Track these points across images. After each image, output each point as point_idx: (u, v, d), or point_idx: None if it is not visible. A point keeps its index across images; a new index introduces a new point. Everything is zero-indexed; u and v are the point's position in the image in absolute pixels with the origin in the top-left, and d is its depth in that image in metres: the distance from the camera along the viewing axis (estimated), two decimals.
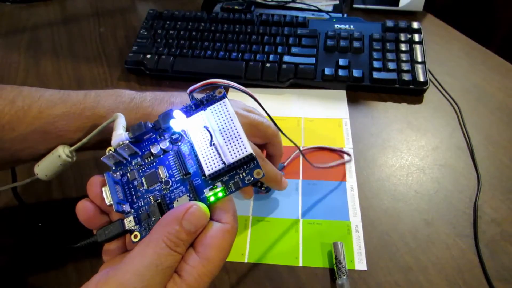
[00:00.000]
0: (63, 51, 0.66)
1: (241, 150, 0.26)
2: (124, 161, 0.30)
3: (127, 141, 0.28)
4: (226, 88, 0.28)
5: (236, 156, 0.26)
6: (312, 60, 0.57)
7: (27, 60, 0.64)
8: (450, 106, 0.53)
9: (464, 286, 0.36)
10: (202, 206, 0.26)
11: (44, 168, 0.33)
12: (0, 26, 0.72)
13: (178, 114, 0.26)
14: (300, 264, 0.39)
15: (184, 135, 0.28)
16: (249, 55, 0.58)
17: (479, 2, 0.89)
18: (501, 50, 0.62)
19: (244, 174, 0.26)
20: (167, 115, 0.28)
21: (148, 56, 0.59)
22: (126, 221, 0.27)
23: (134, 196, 0.29)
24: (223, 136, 0.26)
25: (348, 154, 0.48)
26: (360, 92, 0.56)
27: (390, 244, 0.40)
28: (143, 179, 0.29)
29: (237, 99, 0.41)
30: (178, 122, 0.26)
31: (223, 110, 0.27)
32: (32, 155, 0.35)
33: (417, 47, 0.57)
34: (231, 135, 0.26)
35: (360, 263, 0.38)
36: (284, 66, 0.56)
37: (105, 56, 0.64)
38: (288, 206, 0.43)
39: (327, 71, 0.55)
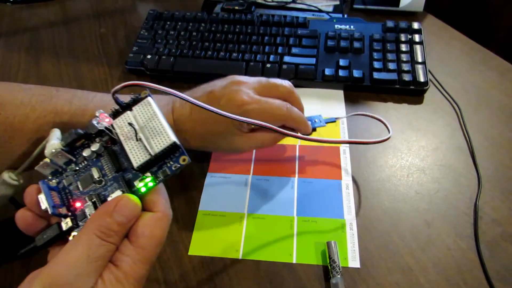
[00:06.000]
0: (63, 51, 0.66)
1: (165, 140, 0.28)
2: (60, 169, 0.31)
3: (59, 149, 0.29)
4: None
5: (161, 146, 0.28)
6: (313, 60, 0.57)
7: (27, 61, 0.64)
8: (451, 106, 0.53)
9: (464, 287, 0.37)
10: (133, 197, 0.27)
11: None
12: (1, 26, 0.72)
13: (105, 117, 0.29)
14: (294, 261, 0.39)
15: (113, 135, 0.29)
16: (250, 56, 0.58)
17: (479, 3, 0.89)
18: (501, 50, 0.62)
19: (171, 162, 0.28)
20: (95, 120, 0.30)
21: (149, 56, 0.59)
22: (63, 223, 0.28)
23: (71, 200, 0.30)
24: (148, 131, 0.28)
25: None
26: (361, 92, 0.56)
27: (391, 244, 0.40)
28: (78, 182, 0.30)
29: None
30: (106, 124, 0.29)
31: (147, 108, 0.30)
32: None
33: (418, 48, 0.57)
34: (156, 129, 0.28)
35: (354, 261, 0.39)
36: (284, 66, 0.56)
37: (105, 57, 0.64)
38: (283, 204, 0.44)
39: (328, 71, 0.55)
